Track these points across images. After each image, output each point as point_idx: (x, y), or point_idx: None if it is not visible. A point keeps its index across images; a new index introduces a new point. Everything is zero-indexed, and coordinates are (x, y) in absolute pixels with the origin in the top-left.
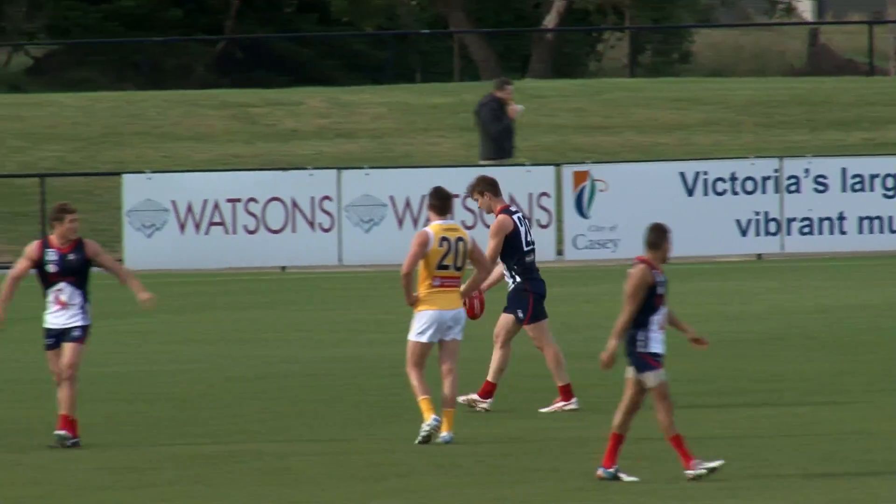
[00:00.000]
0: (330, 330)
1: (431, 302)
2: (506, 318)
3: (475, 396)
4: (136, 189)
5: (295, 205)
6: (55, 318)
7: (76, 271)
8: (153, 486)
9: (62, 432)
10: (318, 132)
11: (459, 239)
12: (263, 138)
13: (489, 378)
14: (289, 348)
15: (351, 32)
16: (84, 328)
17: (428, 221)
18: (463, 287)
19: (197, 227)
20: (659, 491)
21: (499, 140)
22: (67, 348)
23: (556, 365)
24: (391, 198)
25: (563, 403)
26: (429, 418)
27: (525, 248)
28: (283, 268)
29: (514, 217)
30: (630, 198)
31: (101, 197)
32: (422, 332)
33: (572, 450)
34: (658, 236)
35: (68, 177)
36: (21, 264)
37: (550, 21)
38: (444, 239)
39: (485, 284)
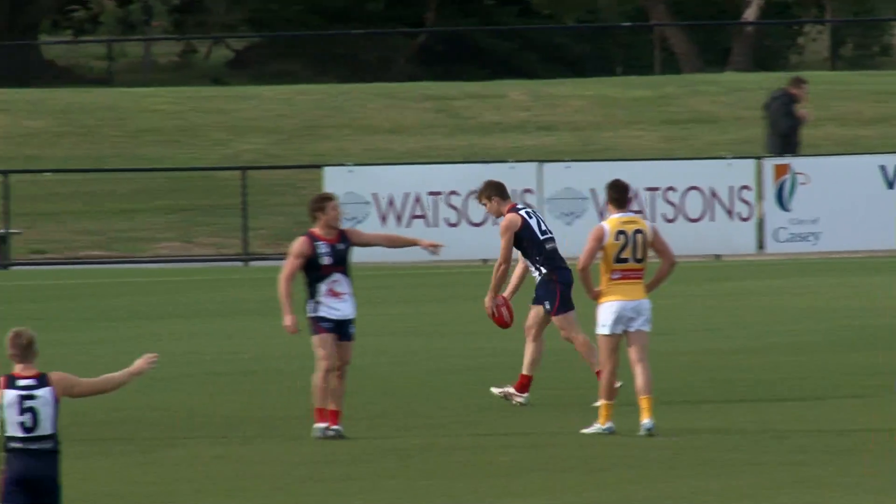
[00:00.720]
0: None
1: (613, 293)
2: (536, 311)
3: (511, 389)
4: (337, 182)
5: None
6: (335, 309)
7: (345, 260)
8: (352, 479)
9: (337, 427)
10: (519, 125)
11: (638, 231)
12: (464, 131)
13: (524, 371)
14: (489, 341)
15: (552, 25)
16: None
17: (601, 216)
18: (648, 281)
19: (398, 219)
20: (863, 483)
21: (787, 135)
22: (345, 346)
23: (588, 352)
24: (592, 191)
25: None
26: (604, 423)
27: (542, 238)
28: (485, 261)
29: (522, 212)
30: (831, 191)
31: (303, 189)
32: (605, 325)
33: (772, 443)
34: None
35: (270, 170)
36: (292, 263)
37: (751, 14)
38: (620, 232)
39: (507, 291)
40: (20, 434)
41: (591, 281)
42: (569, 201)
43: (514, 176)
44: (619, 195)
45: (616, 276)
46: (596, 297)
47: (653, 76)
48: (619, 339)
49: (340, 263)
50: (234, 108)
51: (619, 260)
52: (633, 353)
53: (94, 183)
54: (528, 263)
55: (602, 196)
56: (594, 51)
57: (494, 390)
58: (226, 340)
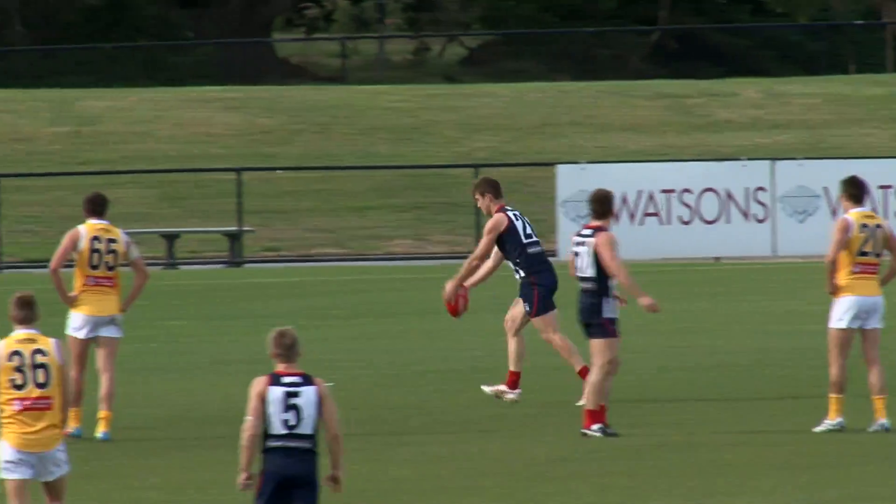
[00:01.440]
0: (763, 321)
1: (851, 289)
2: (517, 308)
3: (503, 387)
4: (570, 179)
5: (729, 196)
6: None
7: None
8: (582, 477)
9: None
10: (751, 123)
11: (878, 226)
12: (697, 129)
13: (511, 368)
14: (720, 339)
15: (784, 23)
16: None
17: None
18: (883, 275)
19: (632, 217)
20: None
21: None
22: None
23: (567, 352)
24: (825, 189)
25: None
26: (834, 419)
27: (525, 241)
28: (717, 258)
29: (510, 214)
30: None
31: (535, 187)
32: (840, 319)
33: None
34: None
35: (502, 167)
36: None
37: None
38: (864, 226)
39: (470, 281)
40: (282, 432)
41: (835, 274)
42: (801, 199)
43: (746, 174)
44: (857, 191)
45: (857, 270)
46: (834, 290)
47: (885, 74)
48: (852, 334)
49: None
50: (467, 106)
51: (861, 253)
52: (866, 351)
53: (327, 180)
54: (510, 264)
55: (834, 194)
56: (826, 49)
57: (485, 389)
58: (458, 338)
